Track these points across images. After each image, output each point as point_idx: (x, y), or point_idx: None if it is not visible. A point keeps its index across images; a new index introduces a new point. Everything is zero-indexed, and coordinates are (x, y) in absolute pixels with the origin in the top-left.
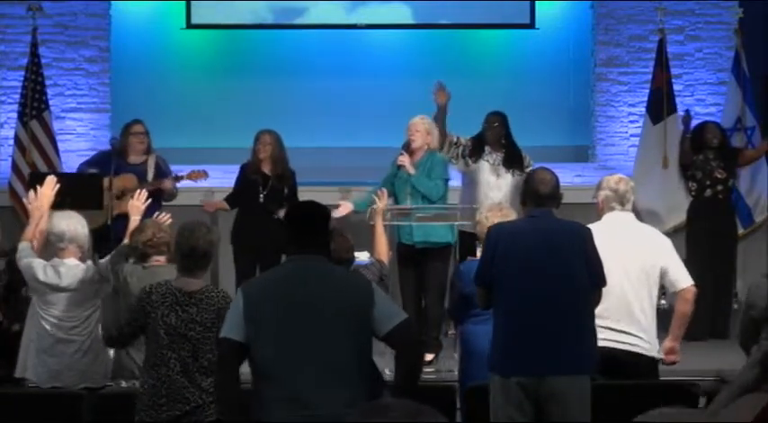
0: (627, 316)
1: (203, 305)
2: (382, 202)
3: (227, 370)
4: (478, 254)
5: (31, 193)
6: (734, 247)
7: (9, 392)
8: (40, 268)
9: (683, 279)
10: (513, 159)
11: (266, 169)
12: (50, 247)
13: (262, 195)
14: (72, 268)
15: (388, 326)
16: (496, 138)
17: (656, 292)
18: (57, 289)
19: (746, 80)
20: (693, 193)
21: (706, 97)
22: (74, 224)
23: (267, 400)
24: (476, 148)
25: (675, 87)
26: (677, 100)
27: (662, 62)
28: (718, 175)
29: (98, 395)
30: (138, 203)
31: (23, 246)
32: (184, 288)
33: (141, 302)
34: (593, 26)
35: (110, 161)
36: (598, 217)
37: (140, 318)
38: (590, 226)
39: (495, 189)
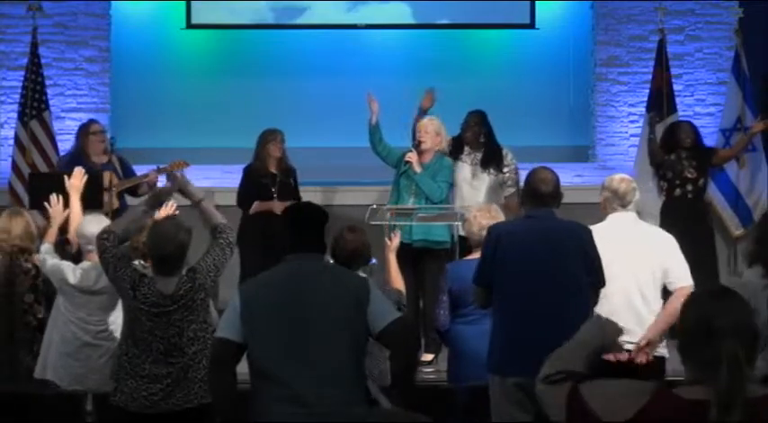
0: (635, 317)
1: (187, 300)
2: (395, 241)
3: (223, 370)
4: (472, 255)
5: (53, 196)
6: (711, 245)
7: (10, 392)
8: (69, 271)
9: (683, 278)
10: (490, 159)
11: (272, 168)
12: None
13: (275, 195)
14: (103, 272)
15: (382, 324)
16: (474, 137)
17: (660, 292)
18: (88, 292)
19: (746, 80)
20: (664, 193)
21: (706, 97)
22: (101, 227)
23: (266, 400)
24: (455, 148)
25: (675, 87)
26: (677, 100)
27: (662, 62)
28: (689, 175)
29: (99, 395)
30: (168, 213)
31: (46, 247)
32: (164, 291)
33: (124, 285)
34: (593, 26)
35: (78, 161)
36: (601, 218)
37: (113, 281)
38: (592, 227)
39: (474, 190)
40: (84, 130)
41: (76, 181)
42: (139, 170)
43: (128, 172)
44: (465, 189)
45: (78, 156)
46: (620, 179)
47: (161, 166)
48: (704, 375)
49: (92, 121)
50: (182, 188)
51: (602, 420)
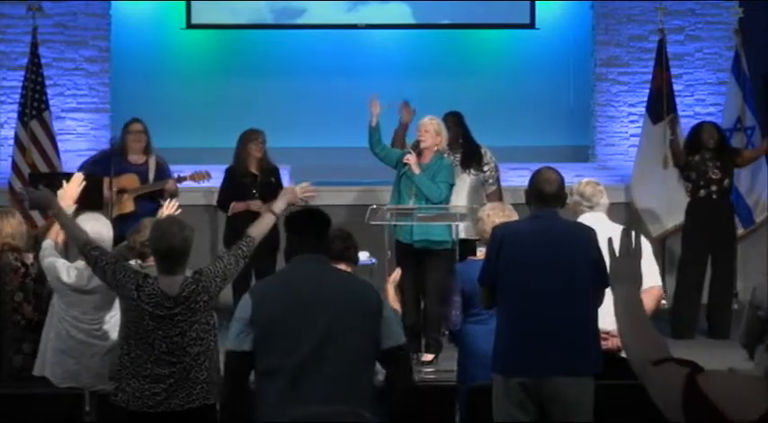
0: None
1: (190, 302)
2: (395, 275)
3: (237, 383)
4: (479, 254)
5: (60, 192)
6: (732, 246)
7: (9, 393)
8: (63, 269)
9: (651, 278)
10: (469, 159)
11: (253, 168)
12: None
13: (257, 195)
14: None
15: (388, 344)
16: (453, 138)
17: None
18: (81, 291)
19: (746, 80)
20: (689, 194)
21: (706, 97)
22: (99, 226)
23: (270, 400)
24: None
25: (675, 87)
26: (677, 100)
27: (662, 62)
28: (713, 176)
29: (98, 395)
30: (168, 213)
31: (47, 244)
32: (168, 292)
33: (127, 287)
34: (594, 26)
35: (110, 160)
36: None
37: (114, 286)
38: None
39: (455, 190)
40: (124, 129)
41: (73, 185)
42: None
43: (162, 175)
44: None
45: (118, 152)
46: (586, 183)
47: (180, 175)
48: None
49: (134, 120)
50: (289, 202)
51: (725, 417)
